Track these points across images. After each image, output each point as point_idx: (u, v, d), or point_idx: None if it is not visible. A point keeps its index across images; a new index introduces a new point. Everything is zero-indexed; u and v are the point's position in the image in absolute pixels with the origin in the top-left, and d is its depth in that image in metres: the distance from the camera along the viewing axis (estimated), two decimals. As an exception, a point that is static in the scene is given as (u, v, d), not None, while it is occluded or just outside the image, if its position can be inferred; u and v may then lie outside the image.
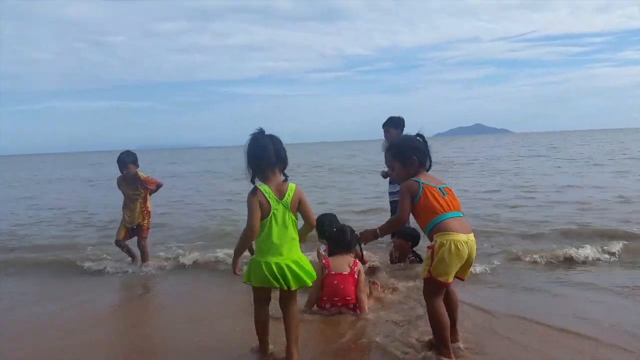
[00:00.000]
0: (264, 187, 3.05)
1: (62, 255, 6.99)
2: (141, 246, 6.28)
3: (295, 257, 3.11)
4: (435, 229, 3.09)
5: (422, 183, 3.17)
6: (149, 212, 6.29)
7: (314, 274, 3.20)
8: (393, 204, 6.49)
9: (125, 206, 6.22)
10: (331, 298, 4.18)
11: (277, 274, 3.01)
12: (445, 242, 3.01)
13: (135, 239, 6.33)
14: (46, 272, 6.38)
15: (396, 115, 6.56)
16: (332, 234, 4.50)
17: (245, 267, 3.27)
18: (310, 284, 3.18)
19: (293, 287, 3.09)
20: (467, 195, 12.02)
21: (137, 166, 6.16)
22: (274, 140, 3.13)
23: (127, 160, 6.05)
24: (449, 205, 3.12)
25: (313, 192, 14.07)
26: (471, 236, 3.12)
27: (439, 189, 3.19)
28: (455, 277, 3.17)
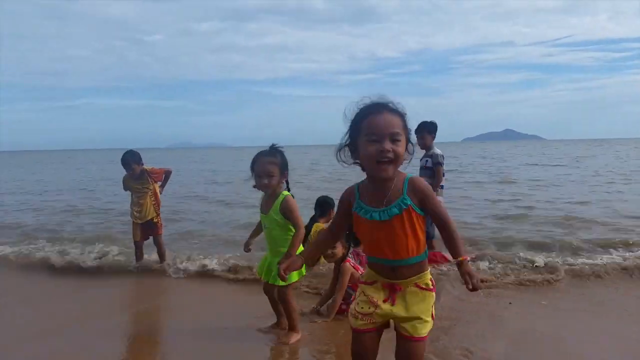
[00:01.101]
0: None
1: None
2: (158, 244, 6.22)
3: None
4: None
5: None
6: (159, 205, 6.19)
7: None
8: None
9: (133, 203, 6.14)
10: None
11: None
12: None
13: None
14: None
15: (428, 119, 6.37)
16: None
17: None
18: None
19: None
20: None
21: (142, 164, 6.10)
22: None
23: (130, 161, 5.99)
24: None
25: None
26: None
27: None
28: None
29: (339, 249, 4.24)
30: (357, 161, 2.20)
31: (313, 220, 5.89)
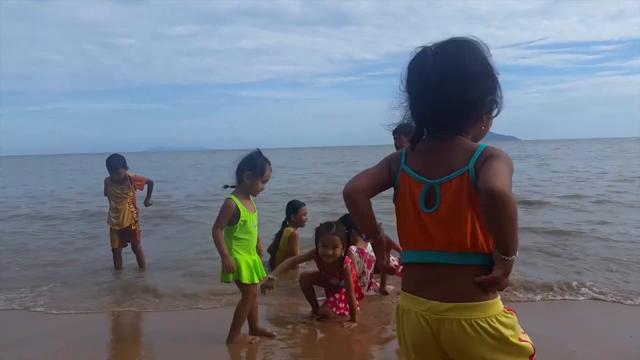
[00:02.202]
0: (234, 198, 3.65)
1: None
2: (137, 250, 6.23)
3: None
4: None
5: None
6: (138, 213, 6.19)
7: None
8: None
9: (111, 209, 6.09)
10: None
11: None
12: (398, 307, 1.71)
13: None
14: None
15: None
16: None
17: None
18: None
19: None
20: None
21: (127, 169, 6.10)
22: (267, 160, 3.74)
23: (118, 165, 5.97)
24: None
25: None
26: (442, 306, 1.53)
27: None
28: None
29: (339, 249, 4.14)
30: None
31: (284, 224, 5.96)
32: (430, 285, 1.53)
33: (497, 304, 1.51)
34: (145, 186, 6.29)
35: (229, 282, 3.71)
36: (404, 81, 1.63)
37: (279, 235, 5.97)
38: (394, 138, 6.17)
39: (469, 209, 1.49)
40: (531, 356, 1.56)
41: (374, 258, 4.38)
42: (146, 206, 6.36)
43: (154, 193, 6.48)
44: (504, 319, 1.50)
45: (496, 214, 1.39)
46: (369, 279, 4.75)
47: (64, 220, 11.07)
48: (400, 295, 1.64)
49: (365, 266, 4.69)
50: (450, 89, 1.52)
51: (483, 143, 1.61)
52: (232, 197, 3.64)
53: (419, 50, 1.59)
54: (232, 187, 3.74)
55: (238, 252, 3.64)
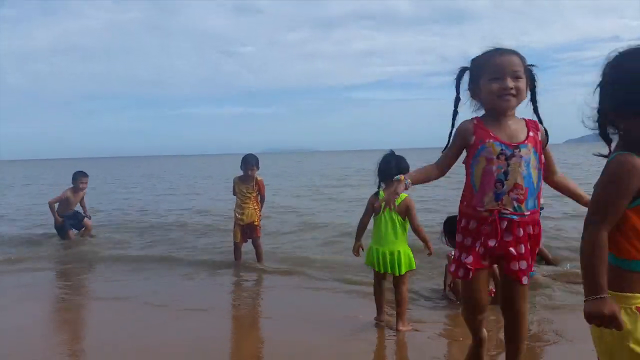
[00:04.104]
0: (381, 193, 3.93)
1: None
2: (256, 245, 6.57)
3: (395, 248, 3.81)
4: None
5: None
6: (260, 214, 6.59)
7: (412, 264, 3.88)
8: None
9: (237, 206, 6.52)
10: None
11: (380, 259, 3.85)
12: None
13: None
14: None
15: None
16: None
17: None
18: (397, 273, 3.80)
19: (382, 270, 3.88)
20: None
21: (258, 168, 6.55)
22: (399, 159, 3.96)
23: (252, 161, 6.45)
24: None
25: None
26: None
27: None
28: None
29: None
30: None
31: None
32: None
33: None
34: (264, 193, 6.67)
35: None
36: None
37: None
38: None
39: None
40: None
41: None
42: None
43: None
44: None
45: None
46: None
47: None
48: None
49: None
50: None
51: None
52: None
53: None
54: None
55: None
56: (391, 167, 3.87)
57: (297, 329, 4.09)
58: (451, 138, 2.51)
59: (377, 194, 3.97)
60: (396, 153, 4.03)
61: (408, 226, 3.89)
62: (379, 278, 3.98)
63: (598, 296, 1.49)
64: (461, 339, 3.71)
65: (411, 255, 3.88)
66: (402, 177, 2.45)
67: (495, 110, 2.39)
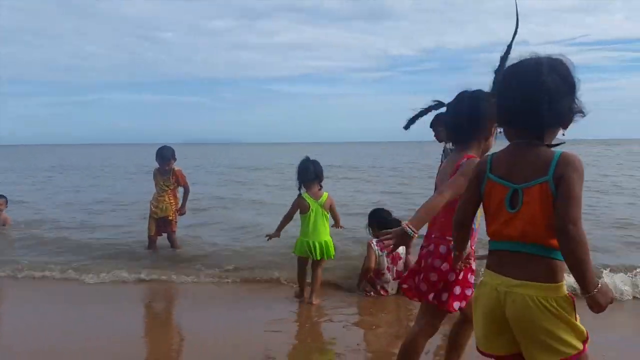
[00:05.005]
0: (305, 194, 4.55)
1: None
2: (172, 239, 6.45)
3: (324, 238, 4.54)
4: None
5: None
6: (177, 208, 6.34)
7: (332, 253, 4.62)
8: None
9: (153, 198, 6.36)
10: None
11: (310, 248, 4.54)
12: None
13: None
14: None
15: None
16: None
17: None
18: (326, 258, 4.57)
19: (318, 258, 4.53)
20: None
21: (175, 160, 6.34)
22: (315, 163, 4.58)
23: (168, 155, 6.24)
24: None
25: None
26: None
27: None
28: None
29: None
30: None
31: None
32: (508, 266, 1.80)
33: (560, 288, 1.73)
34: (181, 190, 6.44)
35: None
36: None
37: None
38: (434, 132, 5.45)
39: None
40: (584, 341, 1.74)
41: (401, 255, 4.66)
42: (179, 214, 6.42)
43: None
44: (562, 302, 1.71)
45: (567, 251, 1.67)
46: (394, 275, 4.66)
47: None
48: (485, 273, 1.90)
49: (389, 261, 4.66)
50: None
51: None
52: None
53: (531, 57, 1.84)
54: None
55: None
56: (310, 171, 4.52)
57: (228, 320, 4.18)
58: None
59: (300, 195, 4.55)
60: (310, 158, 4.63)
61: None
62: (303, 265, 4.63)
63: (599, 286, 1.69)
64: (374, 327, 3.94)
65: (332, 243, 4.65)
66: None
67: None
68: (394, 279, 4.66)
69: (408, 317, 4.14)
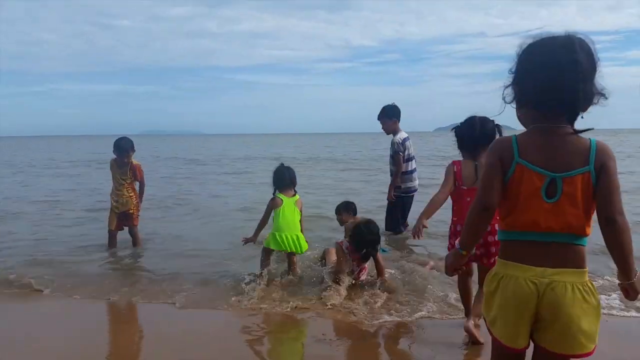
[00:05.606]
0: (278, 194, 4.79)
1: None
2: (133, 233, 6.28)
3: (295, 232, 4.75)
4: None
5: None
6: (137, 200, 6.21)
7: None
8: None
9: (112, 192, 6.16)
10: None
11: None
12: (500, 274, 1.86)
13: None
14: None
15: (399, 106, 6.43)
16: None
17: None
18: (300, 252, 4.81)
19: (289, 250, 4.74)
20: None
21: (134, 152, 6.10)
22: (289, 170, 4.89)
23: (127, 147, 5.98)
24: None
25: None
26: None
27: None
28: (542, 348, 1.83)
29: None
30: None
31: None
32: (539, 256, 1.74)
33: (586, 274, 1.75)
34: (137, 185, 6.22)
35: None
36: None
37: None
38: (381, 123, 6.42)
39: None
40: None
41: (366, 267, 4.58)
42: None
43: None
44: (591, 286, 1.74)
45: (617, 241, 1.70)
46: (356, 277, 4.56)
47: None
48: (500, 263, 1.84)
49: (355, 265, 4.56)
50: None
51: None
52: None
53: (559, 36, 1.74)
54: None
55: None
56: (285, 177, 4.84)
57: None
58: None
59: (273, 196, 4.81)
60: (285, 164, 4.95)
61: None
62: (268, 255, 4.86)
63: (638, 274, 1.78)
64: (339, 317, 3.98)
65: (304, 239, 4.89)
66: (461, 250, 2.01)
67: None
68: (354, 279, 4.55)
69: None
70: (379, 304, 4.14)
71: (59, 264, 5.60)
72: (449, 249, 3.11)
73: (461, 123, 3.46)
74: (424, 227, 3.38)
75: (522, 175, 1.77)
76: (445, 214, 3.57)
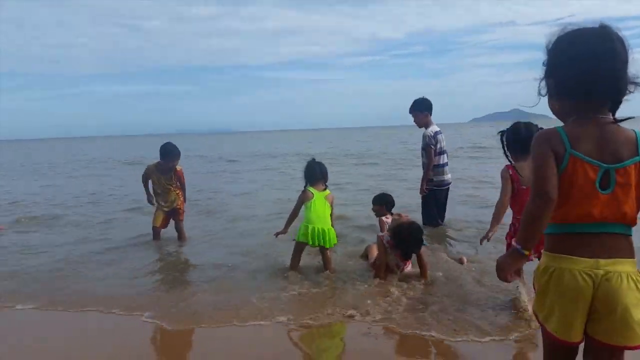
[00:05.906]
0: (309, 187, 4.88)
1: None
2: (179, 228, 6.42)
3: (327, 226, 4.79)
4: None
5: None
6: (183, 197, 6.41)
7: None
8: None
9: (157, 195, 6.32)
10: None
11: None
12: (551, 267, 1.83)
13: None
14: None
15: (431, 100, 6.46)
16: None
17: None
18: (328, 246, 4.77)
19: (317, 245, 4.76)
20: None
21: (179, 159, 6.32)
22: (320, 165, 5.00)
23: (176, 152, 6.20)
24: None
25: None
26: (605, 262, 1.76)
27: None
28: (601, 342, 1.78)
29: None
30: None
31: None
32: (592, 248, 1.73)
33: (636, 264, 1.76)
34: (184, 185, 6.51)
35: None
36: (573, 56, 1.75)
37: None
38: (412, 116, 6.48)
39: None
40: None
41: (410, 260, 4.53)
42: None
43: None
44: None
45: None
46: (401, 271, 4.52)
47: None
48: (550, 257, 1.80)
49: (398, 259, 4.52)
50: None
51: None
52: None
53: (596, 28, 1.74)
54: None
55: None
56: (316, 172, 4.92)
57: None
58: None
59: (304, 189, 4.89)
60: (316, 159, 5.06)
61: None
62: (300, 250, 4.87)
63: None
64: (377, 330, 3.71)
65: (335, 233, 4.92)
66: (522, 250, 1.87)
67: None
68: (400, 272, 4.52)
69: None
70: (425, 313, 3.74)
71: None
72: (507, 249, 3.19)
73: (507, 129, 3.72)
74: (494, 233, 3.72)
75: (574, 167, 1.76)
76: (472, 215, 3.43)
